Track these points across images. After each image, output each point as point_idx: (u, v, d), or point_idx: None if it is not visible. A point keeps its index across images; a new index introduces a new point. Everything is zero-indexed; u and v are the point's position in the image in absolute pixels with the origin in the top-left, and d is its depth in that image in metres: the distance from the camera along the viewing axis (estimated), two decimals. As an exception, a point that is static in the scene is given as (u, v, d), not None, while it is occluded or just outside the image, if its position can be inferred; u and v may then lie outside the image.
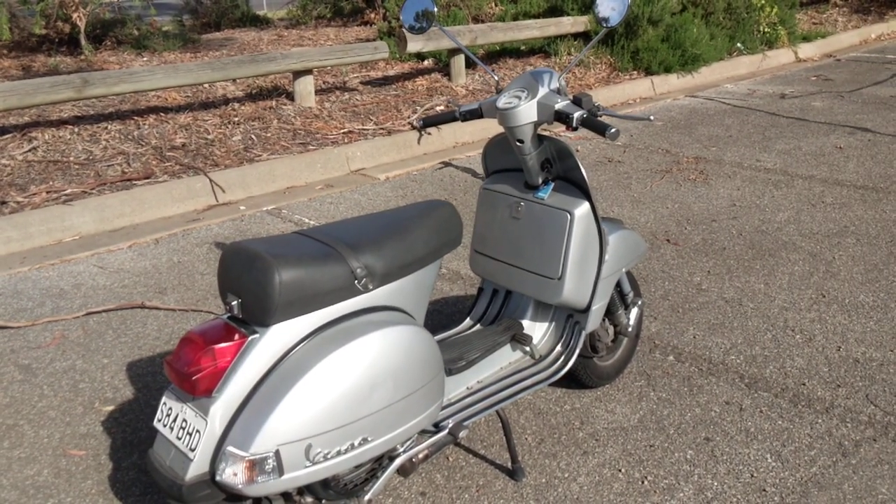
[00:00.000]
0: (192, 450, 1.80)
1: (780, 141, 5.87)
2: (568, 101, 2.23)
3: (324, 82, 7.16)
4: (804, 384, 2.78)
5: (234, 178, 4.90)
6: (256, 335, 1.83)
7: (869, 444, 2.45)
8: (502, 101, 2.27)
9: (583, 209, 2.31)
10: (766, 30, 9.12)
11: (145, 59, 8.62)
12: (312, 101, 6.29)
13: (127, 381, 2.91)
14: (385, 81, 7.32)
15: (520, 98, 2.26)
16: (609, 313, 2.69)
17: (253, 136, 5.56)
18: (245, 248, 1.86)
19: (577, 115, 2.18)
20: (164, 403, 1.91)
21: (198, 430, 1.81)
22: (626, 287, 2.72)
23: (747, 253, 3.89)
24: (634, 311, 2.73)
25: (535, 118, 2.25)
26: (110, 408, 2.76)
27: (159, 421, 1.91)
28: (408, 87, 7.13)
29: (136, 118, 5.67)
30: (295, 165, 5.17)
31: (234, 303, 1.85)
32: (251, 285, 1.81)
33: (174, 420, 1.88)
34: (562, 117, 2.20)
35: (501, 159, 2.53)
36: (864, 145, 5.67)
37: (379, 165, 5.51)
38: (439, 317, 3.34)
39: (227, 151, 5.27)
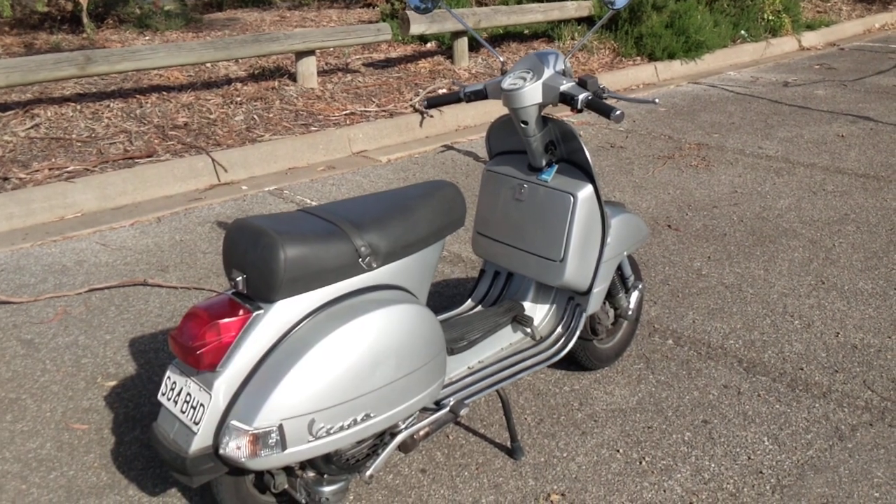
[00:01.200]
0: (196, 423, 1.81)
1: (782, 129, 5.87)
2: (573, 83, 2.24)
3: (326, 64, 7.15)
4: (802, 369, 2.80)
5: (236, 157, 4.90)
6: (261, 311, 1.84)
7: (865, 429, 2.48)
8: (507, 82, 2.27)
9: (586, 192, 2.32)
10: (770, 17, 9.09)
11: (147, 38, 8.60)
12: (315, 83, 6.28)
13: (129, 357, 2.93)
14: (387, 63, 7.30)
15: (525, 79, 2.26)
16: (610, 296, 2.70)
17: (255, 117, 5.55)
18: (250, 225, 1.87)
19: (581, 96, 2.18)
20: (168, 378, 1.93)
21: (202, 404, 1.82)
22: (628, 271, 2.73)
23: (748, 239, 3.90)
24: (635, 295, 2.75)
25: (539, 100, 2.25)
26: (113, 383, 2.78)
27: (163, 395, 1.92)
28: (410, 69, 7.12)
29: (138, 97, 5.66)
30: (297, 146, 5.17)
31: (239, 279, 1.86)
32: (256, 261, 1.82)
33: (178, 394, 1.89)
34: (567, 99, 2.21)
35: (505, 141, 2.54)
36: (866, 134, 5.68)
37: (381, 147, 5.51)
38: (440, 299, 3.35)
39: (229, 131, 5.26)
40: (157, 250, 3.86)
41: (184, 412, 1.86)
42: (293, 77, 6.37)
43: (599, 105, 2.16)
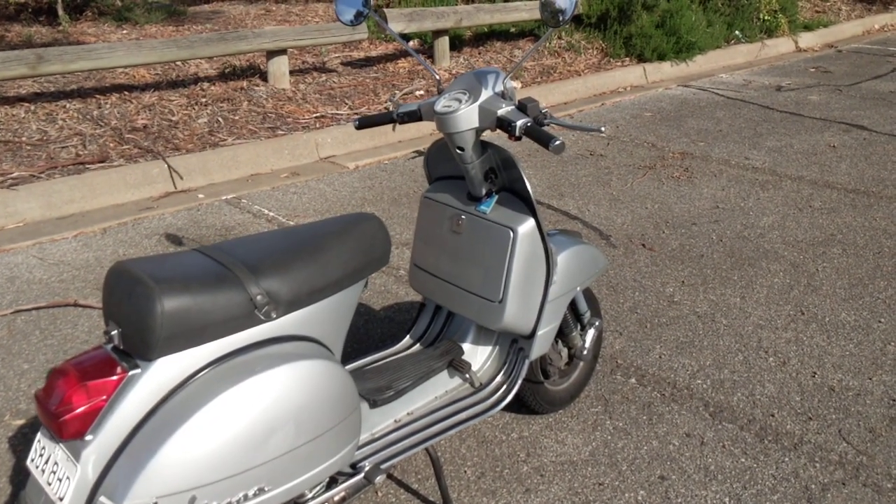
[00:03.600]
0: (61, 499, 1.58)
1: (771, 137, 5.62)
2: (513, 107, 2.00)
3: (303, 62, 6.90)
4: (773, 415, 2.57)
5: (194, 163, 4.66)
6: (138, 370, 1.61)
7: (837, 489, 2.24)
8: (441, 104, 2.03)
9: (527, 226, 2.08)
10: (766, 17, 8.83)
11: (125, 31, 8.35)
12: (287, 83, 6.03)
13: (44, 391, 2.69)
14: (366, 63, 7.05)
15: (460, 101, 2.02)
16: (562, 335, 2.47)
17: (220, 119, 5.31)
18: (127, 270, 1.63)
19: (520, 122, 1.94)
20: (38, 441, 1.69)
21: (68, 477, 1.59)
22: (583, 306, 2.50)
23: (726, 262, 3.66)
24: (591, 333, 2.51)
25: (475, 124, 2.01)
26: (21, 421, 2.55)
27: (32, 461, 1.69)
28: (389, 69, 6.87)
29: (98, 96, 5.41)
30: (260, 151, 4.93)
31: (114, 332, 1.62)
32: (131, 314, 1.59)
33: (46, 461, 1.66)
34: (504, 125, 1.97)
35: (445, 165, 2.30)
36: (859, 144, 5.43)
37: (350, 153, 5.27)
38: (391, 325, 3.12)
39: (190, 135, 5.02)
40: (96, 266, 3.62)
41: (50, 484, 1.63)
42: (265, 77, 6.12)
43: (539, 133, 1.92)
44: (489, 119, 1.99)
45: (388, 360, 2.30)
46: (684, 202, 4.39)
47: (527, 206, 2.11)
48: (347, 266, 1.86)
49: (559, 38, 7.68)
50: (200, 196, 4.47)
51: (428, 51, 7.31)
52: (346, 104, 5.84)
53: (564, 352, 2.52)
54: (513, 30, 8.05)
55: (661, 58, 7.54)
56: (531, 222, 2.09)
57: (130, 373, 1.60)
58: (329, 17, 9.53)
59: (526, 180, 2.07)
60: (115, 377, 1.60)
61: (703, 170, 4.93)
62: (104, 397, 1.59)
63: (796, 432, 2.49)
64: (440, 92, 2.15)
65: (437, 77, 2.21)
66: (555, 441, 2.45)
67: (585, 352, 2.49)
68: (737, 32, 8.51)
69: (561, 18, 1.92)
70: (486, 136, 2.18)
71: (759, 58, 8.56)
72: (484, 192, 2.15)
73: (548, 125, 2.00)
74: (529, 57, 2.08)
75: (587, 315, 2.52)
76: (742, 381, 2.76)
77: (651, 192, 4.56)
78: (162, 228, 4.04)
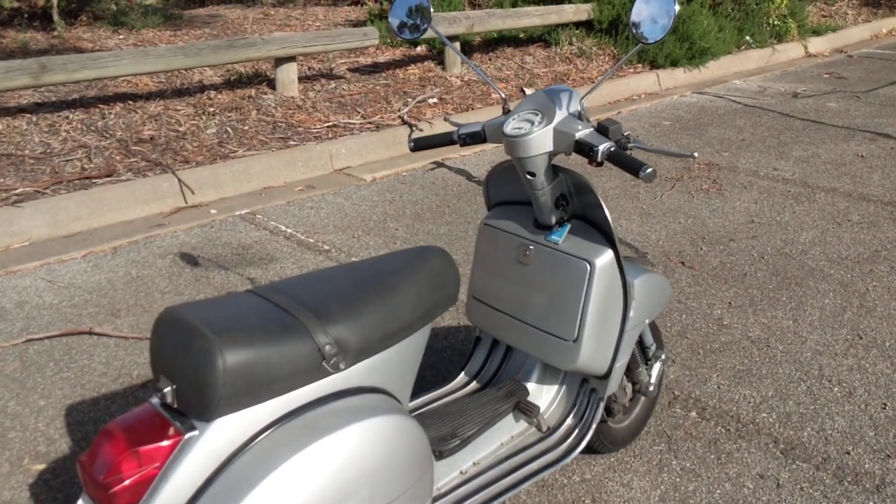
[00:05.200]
0: (109, 581, 1.39)
1: (796, 147, 5.47)
2: (591, 129, 1.82)
3: (309, 68, 6.70)
4: (848, 453, 2.40)
5: (205, 176, 4.46)
6: (195, 432, 1.42)
7: (932, 538, 2.08)
8: (511, 126, 1.86)
9: (605, 258, 1.91)
10: (775, 22, 8.70)
11: (122, 36, 8.13)
12: (296, 91, 5.84)
13: (64, 431, 2.50)
14: (375, 69, 6.86)
15: (532, 123, 1.84)
16: (627, 370, 2.30)
17: (229, 129, 5.11)
18: (181, 319, 1.45)
19: (602, 147, 1.77)
20: (79, 510, 1.51)
21: (116, 555, 1.40)
22: (649, 339, 2.33)
23: (771, 281, 3.50)
24: (657, 367, 2.34)
25: (550, 148, 1.84)
26: (41, 466, 2.35)
27: (72, 533, 1.50)
28: (399, 75, 6.68)
29: (101, 106, 5.20)
30: (273, 163, 4.74)
31: (167, 389, 1.44)
32: (188, 370, 1.40)
33: (89, 535, 1.47)
34: (584, 149, 1.79)
35: (507, 190, 2.12)
36: (888, 154, 5.29)
37: (365, 164, 5.08)
38: (429, 355, 2.94)
39: (199, 146, 4.82)
40: (109, 289, 3.42)
41: (95, 561, 1.44)
42: (272, 84, 5.93)
43: (624, 159, 1.75)
44: (566, 143, 1.82)
45: (446, 400, 2.12)
46: (718, 216, 4.23)
47: (603, 235, 1.94)
48: (418, 307, 1.68)
49: (570, 43, 7.52)
50: (213, 211, 4.28)
51: (437, 56, 7.13)
52: (358, 112, 5.65)
53: (629, 387, 2.35)
54: (522, 35, 7.89)
55: (674, 64, 7.39)
56: (609, 254, 1.91)
57: (186, 435, 1.42)
58: (331, 21, 9.34)
59: (604, 206, 1.89)
60: (168, 441, 1.41)
61: (732, 181, 4.77)
62: (157, 464, 1.41)
63: (876, 472, 2.32)
64: (506, 111, 1.97)
65: (503, 95, 2.03)
66: (620, 484, 2.27)
67: (652, 387, 2.32)
68: (748, 38, 8.39)
69: (651, 38, 1.76)
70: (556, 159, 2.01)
71: (770, 63, 8.44)
72: (554, 220, 1.98)
73: (631, 149, 1.83)
74: (607, 78, 1.91)
75: (653, 347, 2.35)
76: (810, 415, 2.59)
77: (682, 205, 4.40)
78: (175, 247, 3.84)
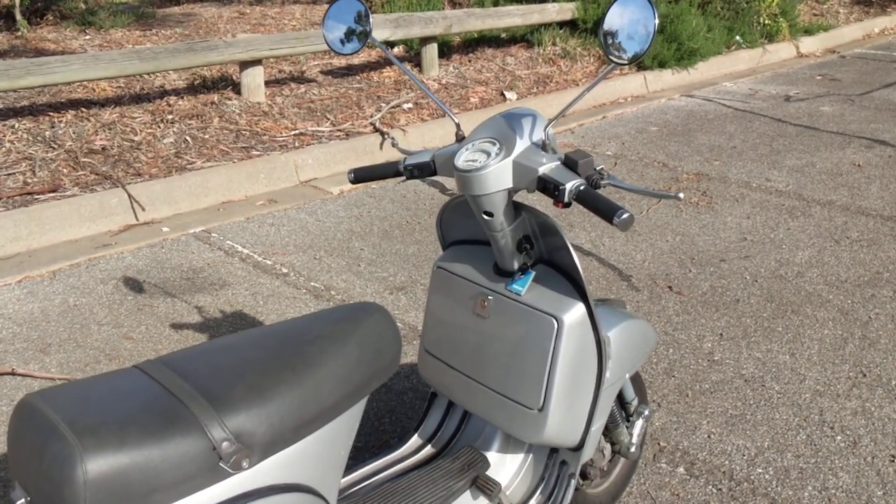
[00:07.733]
0: None
1: (789, 155, 5.20)
2: (558, 163, 1.53)
3: (280, 71, 6.39)
4: (856, 518, 2.13)
5: (158, 191, 4.15)
6: (52, 559, 1.12)
7: None
8: (463, 158, 1.56)
9: (575, 313, 1.62)
10: (766, 22, 8.43)
11: (88, 37, 7.79)
12: (262, 96, 5.52)
13: (-34, 496, 2.20)
14: (348, 72, 6.55)
15: (488, 154, 1.55)
16: (606, 429, 2.01)
17: (188, 138, 4.80)
18: (38, 413, 1.14)
19: (570, 185, 1.47)
20: None
21: None
22: (630, 394, 2.04)
23: (765, 308, 3.22)
24: (639, 424, 2.05)
25: (509, 184, 1.54)
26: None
27: None
28: (373, 78, 6.38)
29: (51, 114, 4.88)
30: (233, 175, 4.43)
31: (20, 502, 1.14)
32: (43, 482, 1.10)
33: None
34: (549, 187, 1.50)
35: (463, 227, 1.83)
36: (885, 163, 5.02)
37: (333, 175, 4.78)
38: (376, 404, 2.64)
39: (154, 157, 4.51)
40: (42, 320, 3.11)
41: None
42: (238, 89, 5.61)
43: (597, 200, 1.45)
44: (527, 179, 1.53)
45: (392, 470, 1.83)
46: (708, 233, 3.95)
47: (572, 283, 1.65)
48: (346, 383, 1.38)
49: (553, 44, 7.23)
50: (165, 229, 3.97)
51: (414, 59, 6.83)
52: (328, 119, 5.34)
53: (607, 448, 2.06)
54: (504, 35, 7.59)
55: (662, 65, 7.11)
56: (579, 308, 1.62)
57: (40, 565, 1.12)
58: (307, 20, 9.02)
59: (572, 250, 1.60)
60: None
61: (723, 193, 4.49)
62: None
63: (888, 543, 2.05)
64: (459, 139, 1.68)
65: (456, 121, 1.73)
66: (597, 561, 1.98)
67: (633, 448, 2.03)
68: (737, 38, 8.11)
69: (626, 58, 1.46)
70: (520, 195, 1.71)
71: (761, 64, 8.17)
72: (516, 266, 1.68)
73: (604, 187, 1.53)
74: (577, 102, 1.60)
75: (634, 402, 2.06)
76: (811, 470, 2.31)
77: (669, 221, 4.11)
78: (120, 271, 3.53)
